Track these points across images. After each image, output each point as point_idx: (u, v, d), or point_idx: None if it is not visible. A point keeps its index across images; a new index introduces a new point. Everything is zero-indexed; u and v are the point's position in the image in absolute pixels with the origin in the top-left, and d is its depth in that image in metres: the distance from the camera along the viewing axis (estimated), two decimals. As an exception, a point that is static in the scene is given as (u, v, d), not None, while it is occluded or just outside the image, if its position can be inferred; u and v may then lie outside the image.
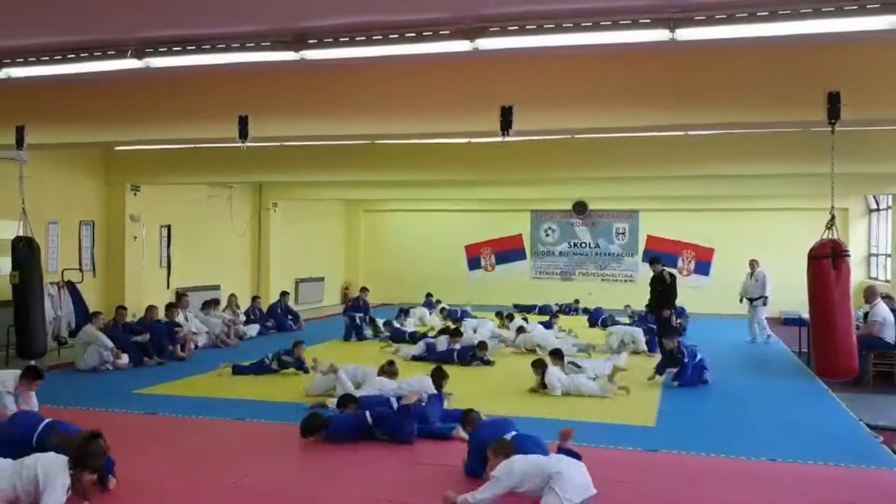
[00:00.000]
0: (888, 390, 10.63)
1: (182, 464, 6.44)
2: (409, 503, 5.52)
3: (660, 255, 13.37)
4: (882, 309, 11.29)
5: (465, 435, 6.62)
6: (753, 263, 15.11)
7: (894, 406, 9.70)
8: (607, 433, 7.55)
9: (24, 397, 7.46)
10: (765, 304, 14.80)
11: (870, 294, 11.54)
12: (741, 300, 15.29)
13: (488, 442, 5.58)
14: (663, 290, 12.17)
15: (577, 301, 20.17)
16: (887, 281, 16.20)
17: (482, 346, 12.11)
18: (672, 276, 12.39)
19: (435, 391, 8.08)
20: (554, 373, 9.49)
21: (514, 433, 5.85)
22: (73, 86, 8.20)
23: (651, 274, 12.62)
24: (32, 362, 8.17)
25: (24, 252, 8.68)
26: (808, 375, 10.93)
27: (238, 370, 10.74)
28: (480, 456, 5.65)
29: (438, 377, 8.39)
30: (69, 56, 6.95)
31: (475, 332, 14.19)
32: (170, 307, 13.01)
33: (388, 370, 9.03)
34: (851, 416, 8.48)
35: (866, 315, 11.55)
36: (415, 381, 8.40)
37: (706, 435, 7.60)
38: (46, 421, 6.07)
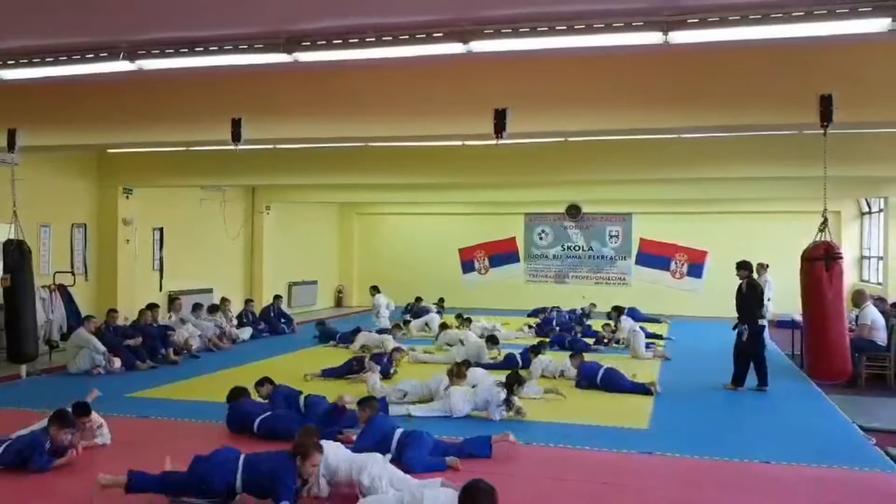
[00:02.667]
0: (881, 392, 10.66)
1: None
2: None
3: (747, 261, 10.51)
4: (871, 311, 11.34)
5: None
6: (760, 268, 14.04)
7: (887, 408, 9.74)
8: (600, 435, 7.56)
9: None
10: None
11: (859, 298, 11.57)
12: None
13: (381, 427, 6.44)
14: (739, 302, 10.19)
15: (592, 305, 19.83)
16: (879, 283, 16.26)
17: (537, 347, 11.58)
18: (752, 285, 10.20)
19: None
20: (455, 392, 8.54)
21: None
22: (65, 88, 8.18)
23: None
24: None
25: (15, 255, 8.64)
26: (802, 377, 10.96)
27: (326, 373, 10.66)
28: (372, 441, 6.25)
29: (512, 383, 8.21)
30: (61, 58, 6.92)
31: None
32: (159, 307, 12.98)
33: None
34: (845, 419, 8.50)
35: (858, 318, 11.59)
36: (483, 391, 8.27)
37: (699, 437, 7.60)
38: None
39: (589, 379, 9.90)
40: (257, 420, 7.34)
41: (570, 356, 10.76)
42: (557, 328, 15.79)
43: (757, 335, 10.06)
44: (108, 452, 6.79)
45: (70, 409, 6.68)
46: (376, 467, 5.53)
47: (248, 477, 5.26)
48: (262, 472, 5.24)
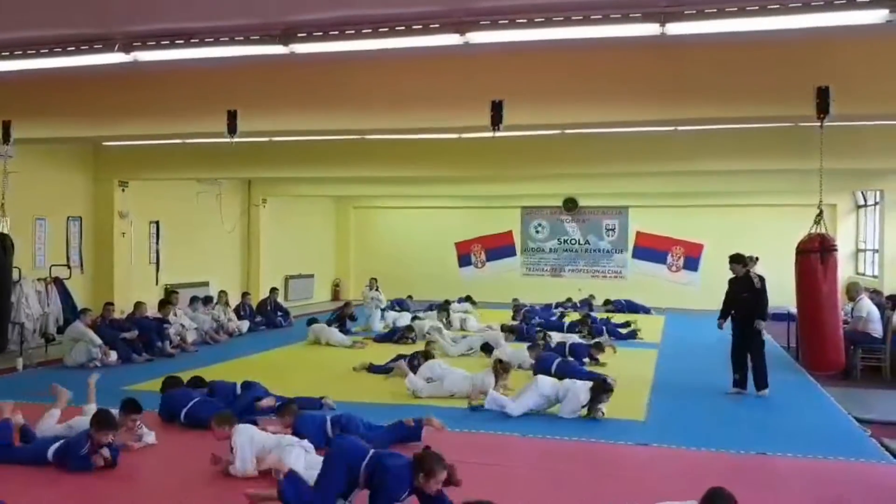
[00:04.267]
0: (876, 384, 10.70)
1: (172, 459, 6.41)
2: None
3: (742, 254, 9.84)
4: (866, 304, 11.38)
5: None
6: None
7: (882, 399, 9.77)
8: (596, 427, 7.57)
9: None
10: None
11: (853, 291, 11.60)
12: None
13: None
14: (752, 298, 9.42)
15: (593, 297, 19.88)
16: (875, 276, 16.30)
17: (598, 345, 11.58)
18: (762, 279, 9.49)
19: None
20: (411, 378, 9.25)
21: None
22: (60, 80, 8.14)
23: (731, 276, 9.78)
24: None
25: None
26: (797, 370, 11.00)
27: (374, 369, 10.65)
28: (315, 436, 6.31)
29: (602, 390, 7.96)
30: (56, 50, 6.90)
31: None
32: (163, 304, 12.97)
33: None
34: (840, 410, 8.54)
35: (853, 311, 11.62)
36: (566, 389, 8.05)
37: (696, 429, 7.63)
38: None
39: (544, 371, 9.88)
40: (183, 410, 7.47)
41: (528, 348, 10.96)
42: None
43: (758, 333, 9.38)
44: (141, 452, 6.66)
45: (121, 406, 6.68)
46: (295, 452, 5.72)
47: (370, 472, 5.04)
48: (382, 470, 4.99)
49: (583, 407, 7.84)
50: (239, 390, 8.22)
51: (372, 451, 5.11)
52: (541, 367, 9.88)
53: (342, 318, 15.04)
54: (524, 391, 8.19)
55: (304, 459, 5.73)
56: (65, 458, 5.98)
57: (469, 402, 8.40)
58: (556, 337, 12.63)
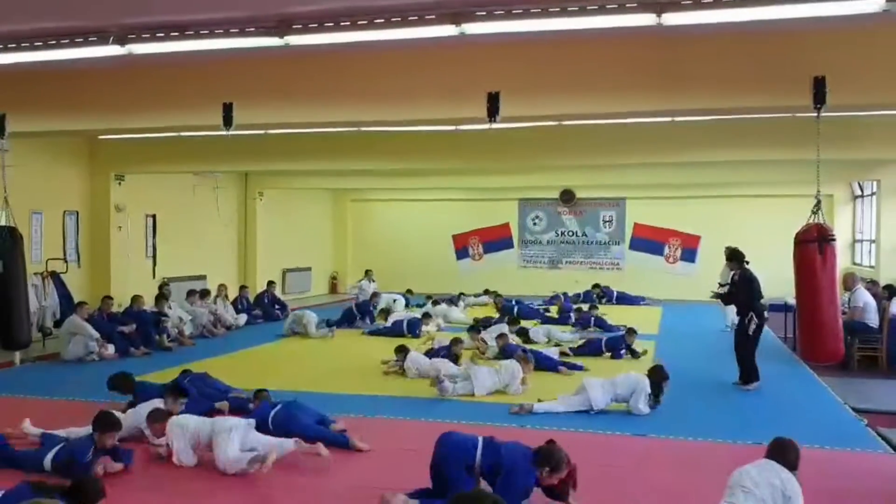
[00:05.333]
0: (873, 374, 10.73)
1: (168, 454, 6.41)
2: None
3: (737, 250, 9.60)
4: (863, 294, 11.39)
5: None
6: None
7: (879, 389, 9.80)
8: (596, 417, 7.58)
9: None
10: None
11: (849, 281, 11.61)
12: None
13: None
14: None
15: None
16: (871, 266, 16.31)
17: (631, 331, 11.52)
18: (749, 277, 9.31)
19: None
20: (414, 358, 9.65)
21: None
22: (55, 73, 8.09)
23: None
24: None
25: (8, 242, 8.57)
26: (794, 360, 11.02)
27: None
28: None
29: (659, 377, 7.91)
30: (50, 42, 6.85)
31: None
32: (159, 298, 12.97)
33: None
34: (837, 400, 8.56)
35: (850, 301, 11.64)
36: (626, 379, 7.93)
37: (694, 419, 7.65)
38: None
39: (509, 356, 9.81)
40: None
41: (497, 337, 11.06)
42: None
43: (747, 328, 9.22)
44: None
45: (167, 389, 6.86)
46: (232, 436, 5.87)
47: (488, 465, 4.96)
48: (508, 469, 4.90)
49: (650, 395, 7.78)
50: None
51: (481, 440, 5.03)
52: (506, 354, 9.96)
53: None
54: (580, 393, 7.92)
55: (242, 440, 5.89)
56: (69, 465, 5.57)
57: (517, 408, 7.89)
58: (541, 330, 13.01)
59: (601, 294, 19.22)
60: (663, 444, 6.77)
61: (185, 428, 6.02)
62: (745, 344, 9.25)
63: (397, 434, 7.09)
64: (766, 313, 9.46)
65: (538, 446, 4.94)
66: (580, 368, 10.12)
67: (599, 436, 6.98)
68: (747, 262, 9.45)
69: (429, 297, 17.57)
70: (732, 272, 9.67)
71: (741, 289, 9.37)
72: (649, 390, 7.76)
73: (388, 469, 6.04)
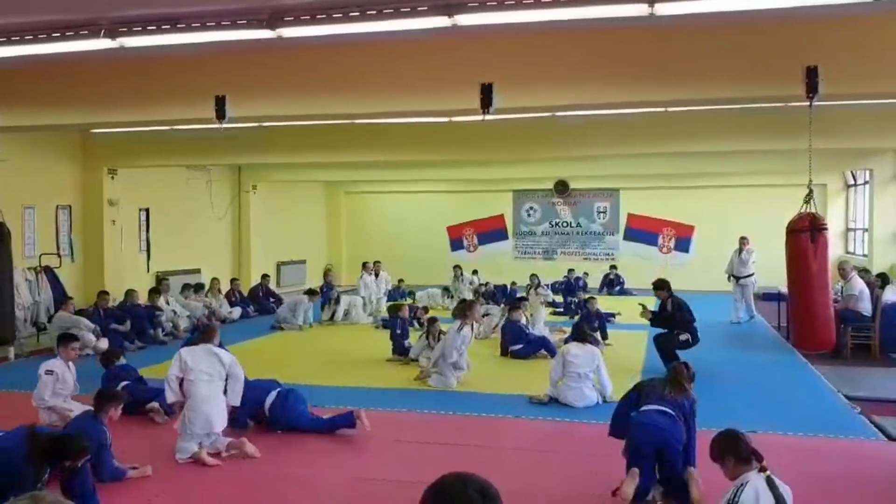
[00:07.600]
0: (866, 362, 10.78)
1: (166, 449, 6.42)
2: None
3: (664, 280, 10.15)
4: (858, 282, 11.44)
5: None
6: (743, 241, 14.79)
7: (872, 377, 9.85)
8: (587, 408, 7.61)
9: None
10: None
11: (844, 270, 11.65)
12: (728, 278, 15.08)
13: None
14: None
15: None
16: (865, 255, 16.38)
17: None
18: (680, 302, 9.85)
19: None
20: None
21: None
22: (45, 67, 8.04)
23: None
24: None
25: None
26: (788, 349, 11.07)
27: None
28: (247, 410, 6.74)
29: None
30: (40, 36, 6.79)
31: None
32: (152, 292, 12.95)
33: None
34: (830, 388, 8.61)
35: (843, 290, 11.69)
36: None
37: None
38: None
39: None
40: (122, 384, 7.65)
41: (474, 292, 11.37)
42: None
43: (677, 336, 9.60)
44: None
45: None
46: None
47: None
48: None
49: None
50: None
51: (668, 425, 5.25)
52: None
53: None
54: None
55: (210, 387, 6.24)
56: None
57: (537, 398, 8.03)
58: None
59: (613, 279, 19.50)
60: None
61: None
62: (671, 341, 9.56)
63: (402, 426, 7.12)
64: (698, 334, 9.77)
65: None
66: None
67: (589, 425, 6.96)
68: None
69: (444, 288, 17.77)
70: (661, 300, 9.99)
71: (676, 314, 9.71)
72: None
73: (389, 462, 6.07)
